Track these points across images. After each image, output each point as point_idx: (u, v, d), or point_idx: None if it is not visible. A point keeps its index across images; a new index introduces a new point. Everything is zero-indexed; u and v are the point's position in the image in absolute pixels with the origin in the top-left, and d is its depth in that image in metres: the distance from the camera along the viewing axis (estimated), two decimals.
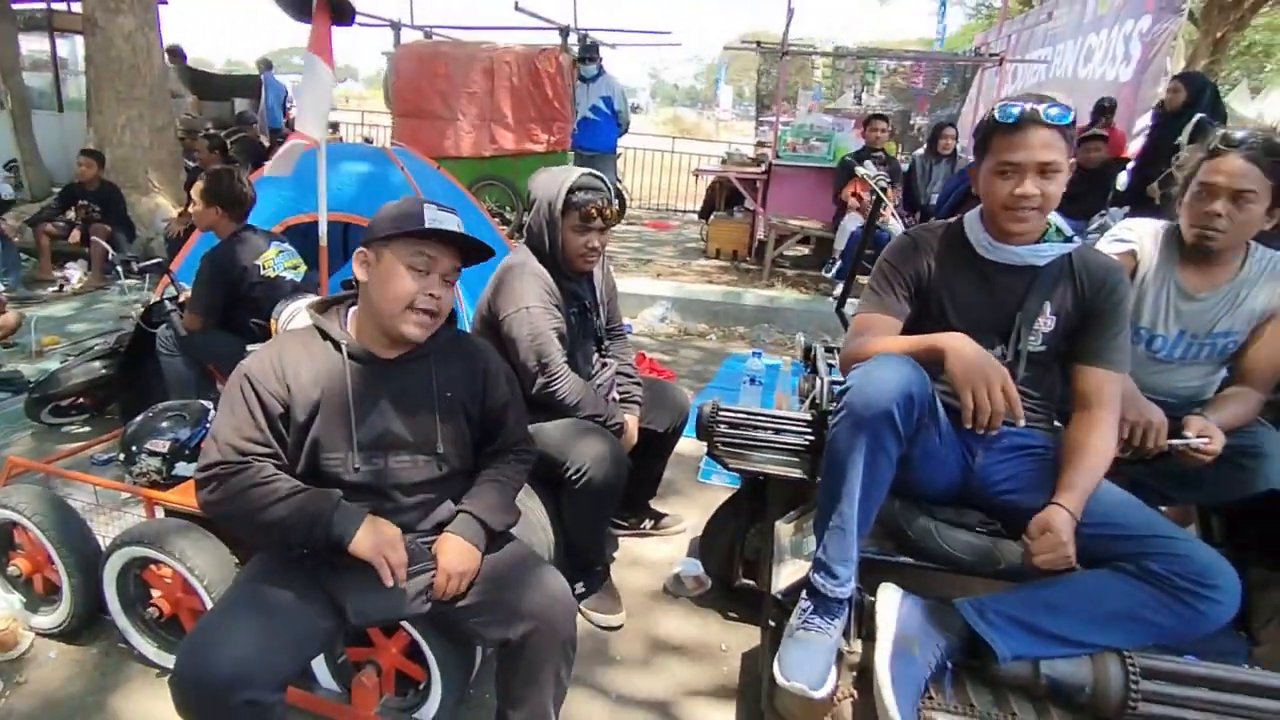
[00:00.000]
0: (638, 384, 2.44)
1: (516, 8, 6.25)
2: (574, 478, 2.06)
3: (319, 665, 1.78)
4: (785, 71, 6.96)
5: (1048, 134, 1.43)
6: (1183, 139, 4.40)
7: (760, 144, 8.05)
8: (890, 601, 1.42)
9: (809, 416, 2.16)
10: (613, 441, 2.13)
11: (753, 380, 3.10)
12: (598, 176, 2.19)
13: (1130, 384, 1.69)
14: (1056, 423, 1.65)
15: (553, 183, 2.16)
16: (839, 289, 3.27)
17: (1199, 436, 1.63)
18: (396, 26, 7.18)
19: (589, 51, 6.11)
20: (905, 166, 6.22)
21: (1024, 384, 1.58)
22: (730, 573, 2.35)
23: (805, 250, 6.99)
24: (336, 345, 1.50)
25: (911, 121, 8.04)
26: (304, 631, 1.42)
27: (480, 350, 1.67)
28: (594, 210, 2.12)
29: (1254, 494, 1.69)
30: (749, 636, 2.24)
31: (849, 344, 1.62)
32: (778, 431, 2.20)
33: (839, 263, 5.76)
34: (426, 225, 1.43)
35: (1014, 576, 1.50)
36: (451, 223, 1.46)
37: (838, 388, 1.53)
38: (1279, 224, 1.71)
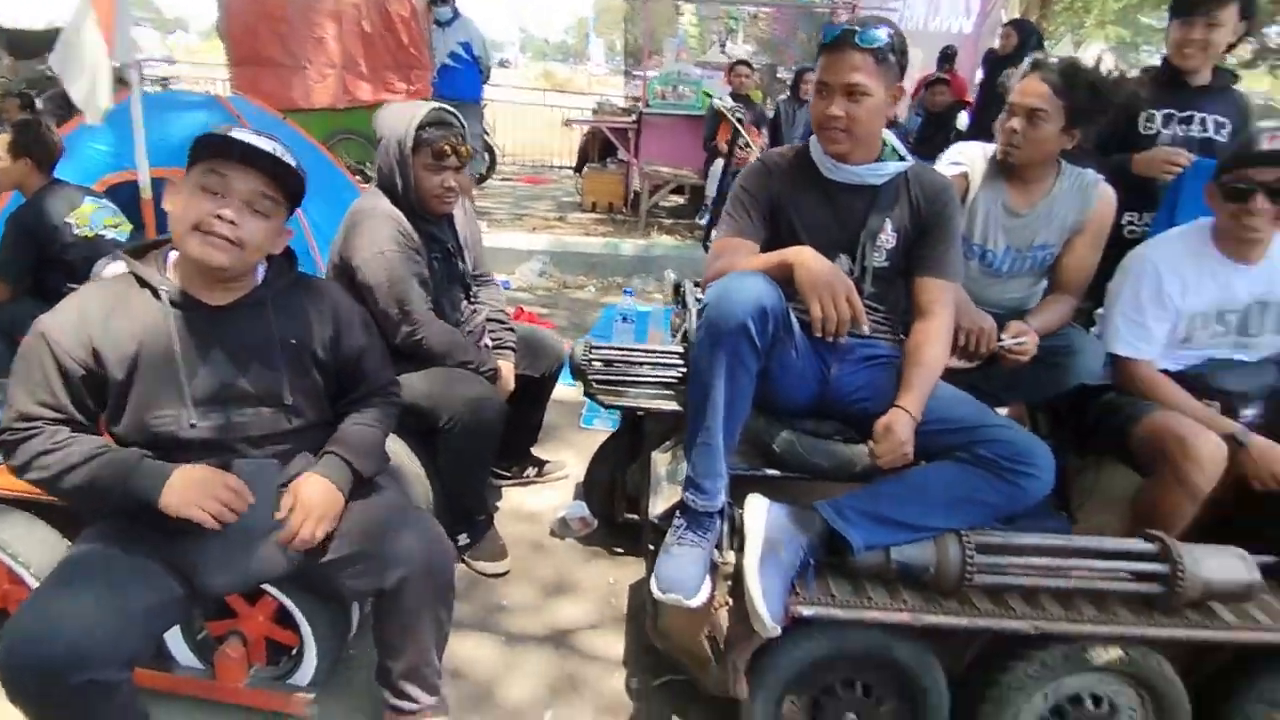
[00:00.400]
0: (510, 330, 2.39)
1: None
2: (447, 426, 2.01)
3: (176, 642, 1.66)
4: (649, 18, 6.90)
5: (859, 57, 1.50)
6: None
7: (631, 97, 8.00)
8: (757, 509, 1.48)
9: (680, 349, 2.21)
10: (486, 387, 2.09)
11: (625, 319, 3.12)
12: (449, 112, 2.09)
13: (963, 294, 1.83)
14: (902, 335, 1.76)
15: (400, 120, 2.04)
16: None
17: (1016, 338, 1.79)
18: None
19: None
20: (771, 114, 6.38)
21: (871, 299, 1.68)
22: (614, 510, 2.39)
23: (680, 200, 7.07)
24: (156, 293, 1.36)
25: (779, 74, 8.23)
26: (148, 604, 1.30)
27: (327, 293, 1.57)
28: (447, 147, 2.02)
29: (1068, 389, 1.88)
30: (636, 570, 2.29)
31: (709, 268, 1.66)
32: (651, 366, 2.23)
33: (709, 212, 5.85)
34: (222, 135, 1.31)
35: (870, 478, 1.60)
36: (260, 143, 1.33)
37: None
38: (1079, 144, 1.88)
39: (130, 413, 1.34)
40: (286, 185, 1.38)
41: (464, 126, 2.11)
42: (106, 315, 1.33)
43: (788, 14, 8.05)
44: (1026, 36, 5.42)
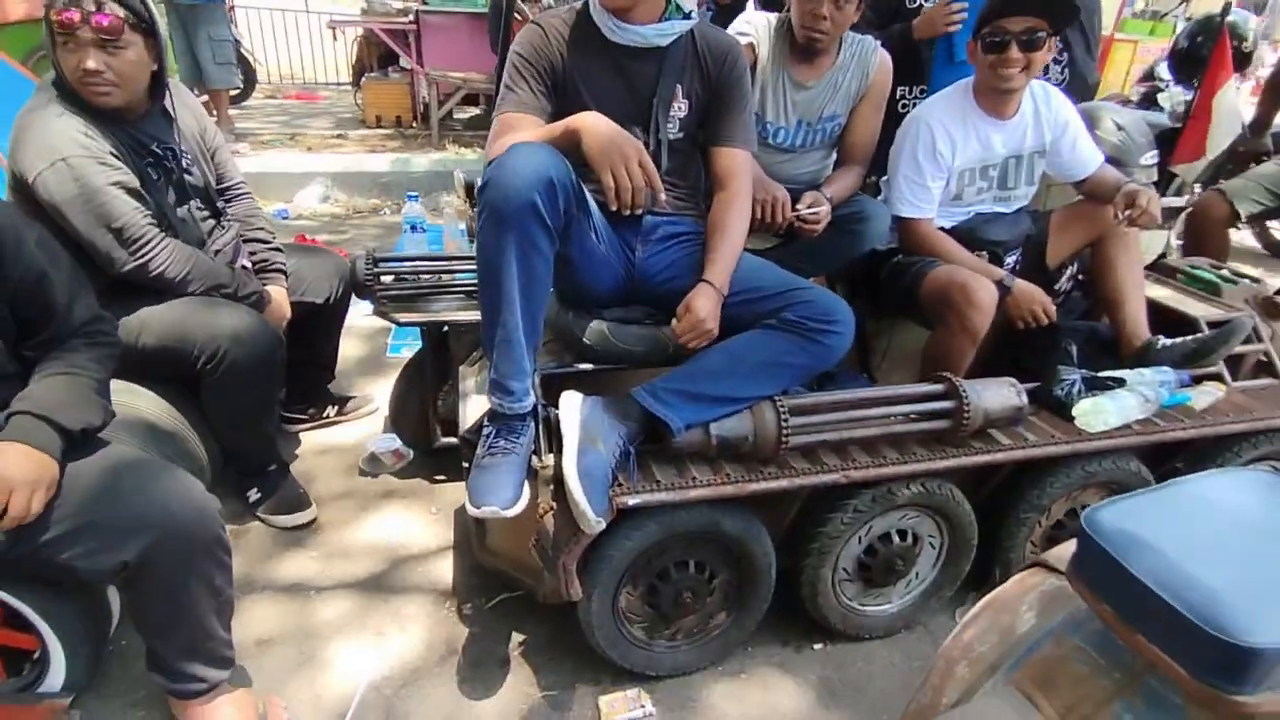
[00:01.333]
0: (277, 250, 2.05)
1: None
2: (210, 365, 1.70)
3: None
4: None
5: None
6: None
7: None
8: (571, 405, 1.39)
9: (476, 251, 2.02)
10: (252, 314, 1.78)
11: (415, 228, 2.83)
12: None
13: (758, 168, 1.80)
14: (704, 210, 1.70)
15: None
16: None
17: (811, 207, 1.81)
18: None
19: None
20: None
21: (670, 174, 1.60)
22: (428, 436, 2.20)
23: (476, 110, 6.58)
24: None
25: None
26: None
27: None
28: (77, 16, 1.52)
29: (862, 254, 1.95)
30: (459, 495, 2.14)
31: (489, 149, 1.47)
32: (450, 275, 2.04)
33: None
34: None
35: (685, 359, 1.55)
36: None
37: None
38: (863, 14, 1.89)
39: None
40: None
41: None
42: None
43: None
44: None
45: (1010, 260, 2.00)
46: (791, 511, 1.57)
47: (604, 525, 1.31)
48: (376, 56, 6.67)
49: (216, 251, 1.85)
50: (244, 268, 1.92)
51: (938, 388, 1.56)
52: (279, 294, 1.97)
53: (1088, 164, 1.97)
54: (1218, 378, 1.85)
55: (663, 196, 1.38)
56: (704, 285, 1.47)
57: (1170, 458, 1.80)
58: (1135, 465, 1.71)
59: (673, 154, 1.58)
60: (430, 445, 2.19)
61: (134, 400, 1.66)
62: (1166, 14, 7.16)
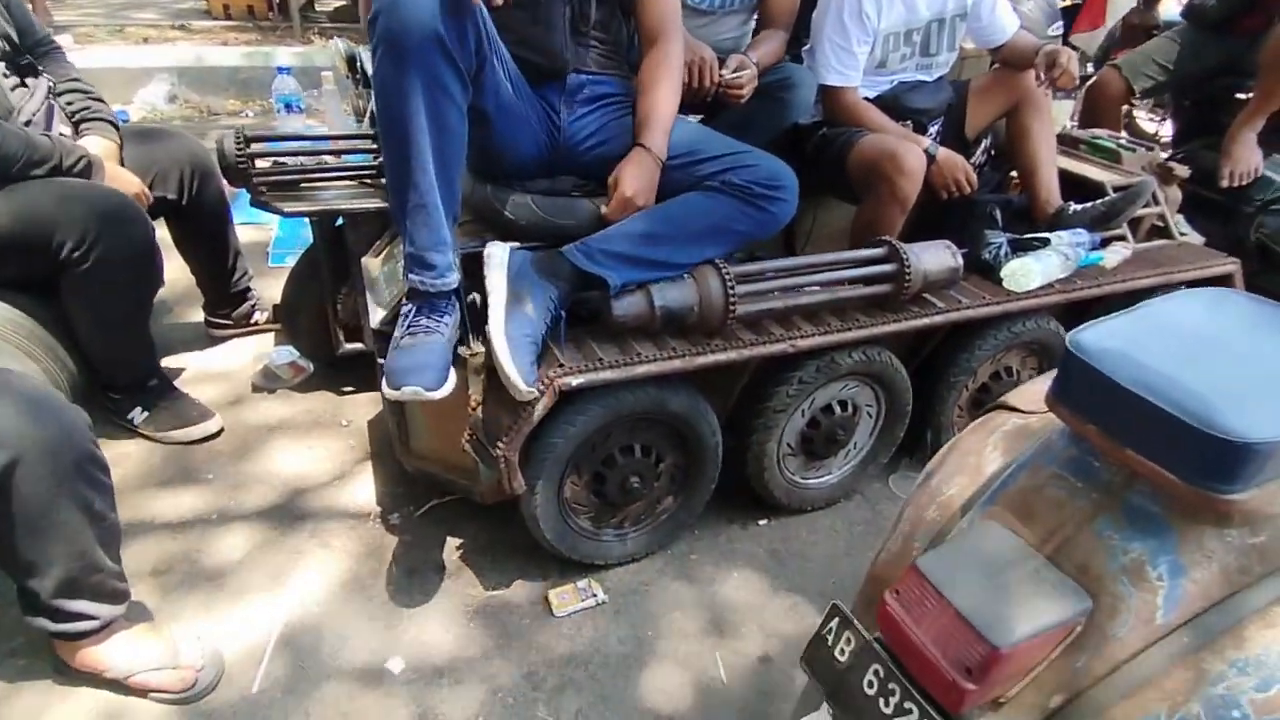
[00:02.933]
0: (100, 99, 1.72)
1: None
2: (77, 255, 1.42)
3: None
4: None
5: None
6: None
7: None
8: (498, 257, 1.27)
9: (371, 133, 1.78)
10: (111, 191, 1.50)
11: (290, 106, 2.50)
12: None
13: (683, 29, 1.65)
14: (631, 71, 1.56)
15: None
16: None
17: (736, 71, 1.70)
18: None
19: None
20: None
21: (595, 28, 1.44)
22: (330, 344, 1.99)
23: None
24: None
25: None
26: None
27: None
28: None
29: (789, 124, 1.86)
30: (372, 404, 1.98)
31: None
32: (336, 156, 1.79)
33: None
34: None
35: None
36: None
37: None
38: None
39: None
40: None
41: None
42: None
43: None
44: None
45: (933, 129, 1.98)
46: (737, 387, 1.52)
47: (535, 393, 1.21)
48: None
49: (26, 122, 1.51)
50: (62, 134, 1.60)
51: (879, 251, 1.53)
52: (108, 151, 1.66)
53: (1006, 29, 1.94)
54: (1122, 239, 1.93)
55: None
56: (639, 151, 1.35)
57: (1084, 315, 1.88)
58: (1054, 325, 1.77)
59: (597, 4, 1.41)
60: (333, 354, 1.97)
61: None
62: None
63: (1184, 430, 0.72)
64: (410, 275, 1.21)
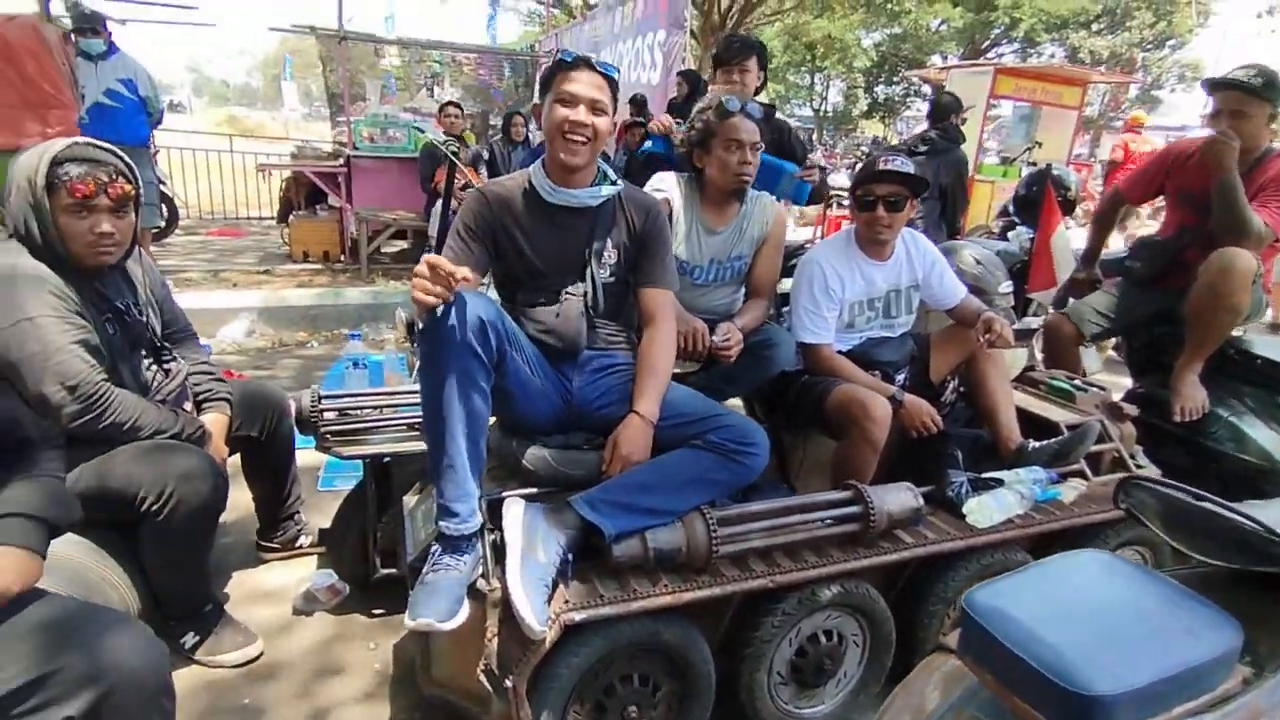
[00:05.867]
0: (220, 380, 2.12)
1: None
2: (156, 507, 1.71)
3: None
4: (345, 55, 6.63)
5: (599, 78, 1.67)
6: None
7: (338, 141, 7.58)
8: (514, 513, 1.51)
9: (420, 388, 2.13)
10: (198, 454, 1.82)
11: (357, 365, 2.94)
12: (98, 146, 1.76)
13: (678, 304, 2.04)
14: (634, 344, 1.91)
15: (32, 158, 1.69)
16: None
17: (724, 336, 2.05)
18: None
19: (88, 21, 4.93)
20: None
21: (604, 315, 1.82)
22: (368, 569, 2.21)
23: (404, 244, 6.84)
24: None
25: (491, 120, 8.39)
26: None
27: None
28: (93, 187, 1.69)
29: (773, 376, 2.18)
30: (399, 628, 2.14)
31: None
32: (392, 409, 2.14)
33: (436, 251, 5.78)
34: None
35: None
36: None
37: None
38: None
39: None
40: None
41: (124, 163, 1.80)
42: None
43: (490, 60, 8.28)
44: (694, 84, 6.22)
45: (900, 378, 2.28)
46: (726, 618, 1.68)
47: (545, 632, 1.39)
48: (304, 194, 6.90)
49: (162, 400, 1.90)
50: (186, 411, 1.97)
51: (846, 495, 1.75)
52: (218, 423, 2.02)
53: (954, 295, 2.31)
54: (1080, 474, 2.13)
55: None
56: (633, 417, 1.65)
57: (1050, 547, 2.04)
58: (1022, 556, 1.92)
59: (607, 296, 1.80)
60: (369, 578, 2.19)
61: (67, 550, 1.65)
62: (1015, 159, 8.35)
63: (1050, 685, 0.89)
64: (439, 521, 1.48)
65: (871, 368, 2.23)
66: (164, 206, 6.03)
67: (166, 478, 1.72)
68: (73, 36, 4.97)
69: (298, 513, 2.44)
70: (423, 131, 5.89)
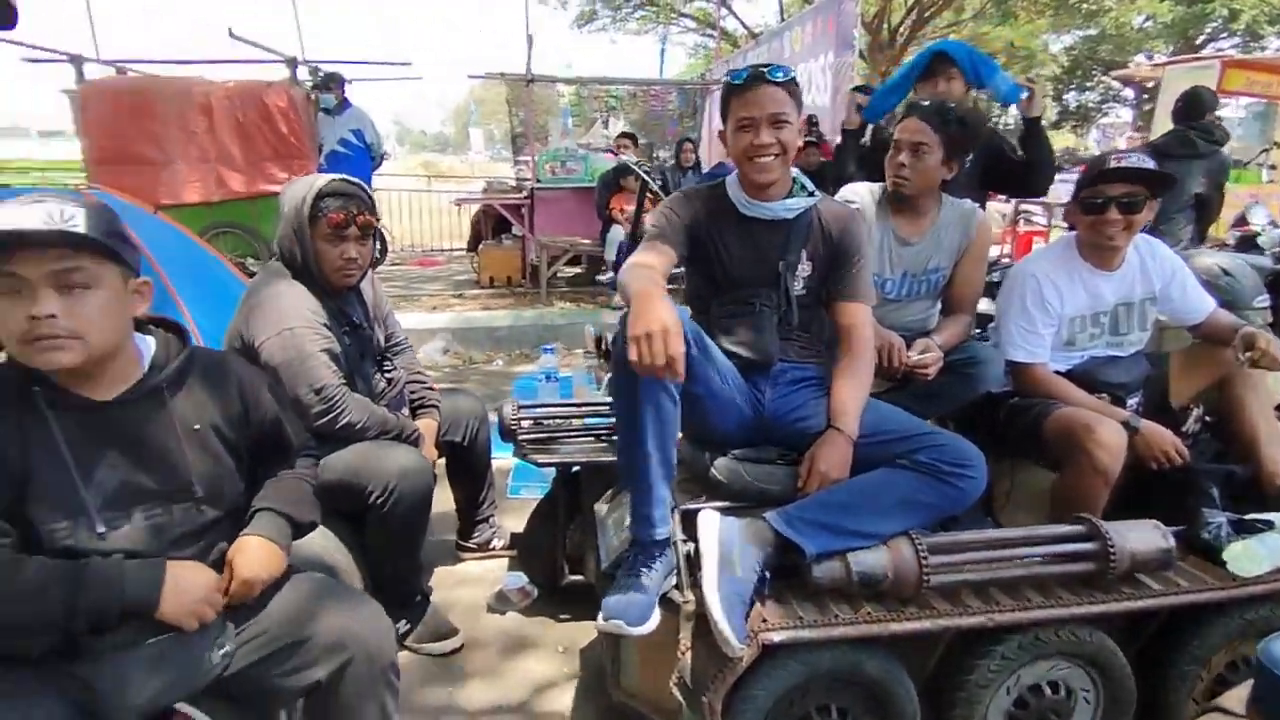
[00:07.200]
0: (430, 388, 2.32)
1: (232, 35, 5.69)
2: (380, 500, 1.89)
3: None
4: (530, 96, 7.14)
5: (774, 90, 1.62)
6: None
7: (520, 178, 8.17)
8: (710, 524, 1.48)
9: (609, 399, 2.20)
10: (414, 454, 1.99)
11: (549, 378, 3.09)
12: (351, 182, 2.03)
13: (872, 317, 1.95)
14: (825, 357, 1.84)
15: (299, 190, 1.97)
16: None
17: (922, 353, 1.92)
18: (78, 62, 6.14)
19: (328, 82, 5.76)
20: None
21: (798, 329, 1.77)
22: (556, 574, 2.30)
23: (578, 269, 7.19)
24: (26, 395, 1.18)
25: (656, 153, 8.66)
26: None
27: (227, 366, 1.42)
28: (345, 217, 1.95)
29: (976, 397, 2.01)
30: (585, 632, 2.20)
31: (622, 272, 1.65)
32: (582, 419, 2.21)
33: (611, 273, 6.01)
34: None
35: None
36: (30, 216, 1.08)
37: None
38: (956, 174, 2.08)
39: (20, 531, 1.17)
40: (92, 242, 1.14)
41: (370, 198, 2.06)
42: None
43: (660, 91, 8.56)
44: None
45: (1132, 403, 2.01)
46: (935, 656, 1.55)
47: (744, 650, 1.35)
48: (491, 225, 7.48)
49: (385, 404, 2.11)
50: (404, 414, 2.17)
51: (1078, 529, 1.56)
52: (429, 426, 2.20)
53: (1201, 309, 2.02)
54: None
55: (681, 378, 1.40)
56: (832, 433, 1.58)
57: None
58: None
59: (800, 309, 1.75)
60: (557, 583, 2.27)
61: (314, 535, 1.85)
62: (1249, 162, 7.26)
63: None
64: (632, 527, 1.50)
65: (1097, 390, 1.99)
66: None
67: (389, 474, 1.89)
68: (313, 94, 5.77)
69: (492, 516, 2.59)
70: (621, 153, 6.17)
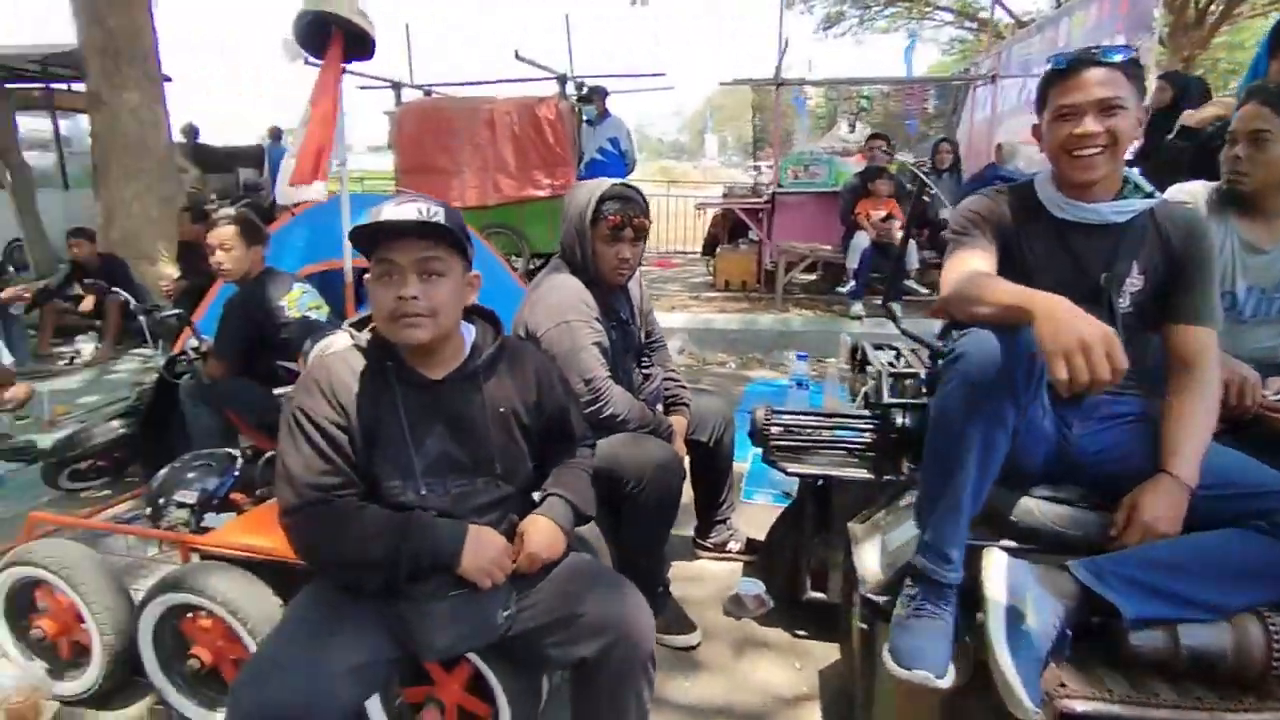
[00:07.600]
0: (684, 387, 2.37)
1: (518, 57, 6.39)
2: (634, 490, 1.96)
3: (373, 707, 1.65)
4: (779, 100, 7.08)
5: (1104, 72, 1.40)
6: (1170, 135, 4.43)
7: (757, 182, 8.16)
8: (998, 566, 1.31)
9: (868, 414, 2.08)
10: (669, 448, 2.05)
11: (800, 385, 3.02)
12: (630, 187, 2.14)
13: (1219, 351, 1.62)
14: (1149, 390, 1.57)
15: (584, 193, 2.11)
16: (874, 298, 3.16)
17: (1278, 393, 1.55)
18: (397, 87, 7.33)
19: (591, 95, 6.26)
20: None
21: None
22: (797, 588, 2.22)
23: (813, 276, 7.01)
24: (382, 368, 1.39)
25: (899, 155, 8.16)
26: (362, 662, 1.32)
27: (528, 356, 1.56)
28: (622, 220, 2.05)
29: None
30: (824, 652, 2.10)
31: (948, 282, 1.48)
32: (835, 431, 2.12)
33: (853, 282, 5.75)
34: (367, 221, 1.28)
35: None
36: (403, 212, 1.28)
37: (950, 342, 1.40)
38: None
39: (368, 482, 1.39)
40: (447, 239, 1.33)
41: (644, 202, 2.15)
42: (347, 386, 1.38)
43: (917, 90, 8.04)
44: (1182, 89, 5.06)
45: None
46: None
47: (1038, 715, 1.18)
48: (728, 230, 7.56)
49: (643, 398, 2.19)
50: (658, 410, 2.24)
51: None
52: (681, 424, 2.25)
53: None
54: None
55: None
56: (1165, 478, 1.33)
57: None
58: None
59: (1126, 330, 1.50)
60: (798, 596, 2.20)
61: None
62: None
63: None
64: (922, 560, 1.35)
65: None
66: None
67: (645, 466, 1.96)
68: (577, 107, 6.28)
69: (730, 518, 2.59)
70: (856, 181, 5.96)
